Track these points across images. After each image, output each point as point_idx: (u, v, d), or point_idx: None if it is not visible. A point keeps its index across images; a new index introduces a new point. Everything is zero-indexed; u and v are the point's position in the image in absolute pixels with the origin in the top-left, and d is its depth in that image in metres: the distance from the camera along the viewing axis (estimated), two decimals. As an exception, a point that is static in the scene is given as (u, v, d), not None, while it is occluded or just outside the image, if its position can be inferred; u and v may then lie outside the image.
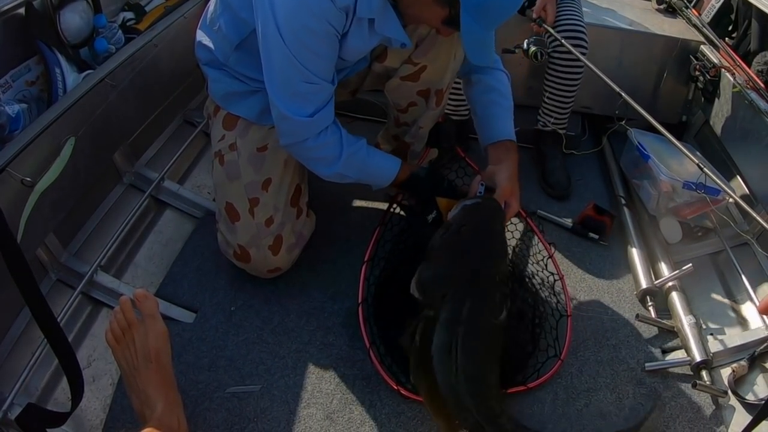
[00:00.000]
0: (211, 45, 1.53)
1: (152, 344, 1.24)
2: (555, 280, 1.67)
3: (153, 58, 1.88)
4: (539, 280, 1.69)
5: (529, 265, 1.75)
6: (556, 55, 2.07)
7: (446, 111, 2.15)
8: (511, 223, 1.81)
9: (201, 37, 1.57)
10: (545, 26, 1.97)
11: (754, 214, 1.43)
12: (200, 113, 2.19)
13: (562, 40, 1.86)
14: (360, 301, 1.48)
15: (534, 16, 2.04)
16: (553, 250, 1.71)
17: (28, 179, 1.36)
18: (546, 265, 1.69)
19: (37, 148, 1.42)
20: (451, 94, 2.11)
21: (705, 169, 1.59)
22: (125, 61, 1.76)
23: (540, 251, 1.74)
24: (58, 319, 1.30)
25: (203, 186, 2.05)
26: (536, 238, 1.77)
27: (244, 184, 1.54)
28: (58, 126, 1.49)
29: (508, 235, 1.79)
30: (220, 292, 1.65)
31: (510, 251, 1.78)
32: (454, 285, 1.36)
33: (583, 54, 1.94)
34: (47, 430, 1.18)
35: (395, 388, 1.37)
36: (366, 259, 1.56)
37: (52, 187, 1.45)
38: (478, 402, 1.24)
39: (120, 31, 1.91)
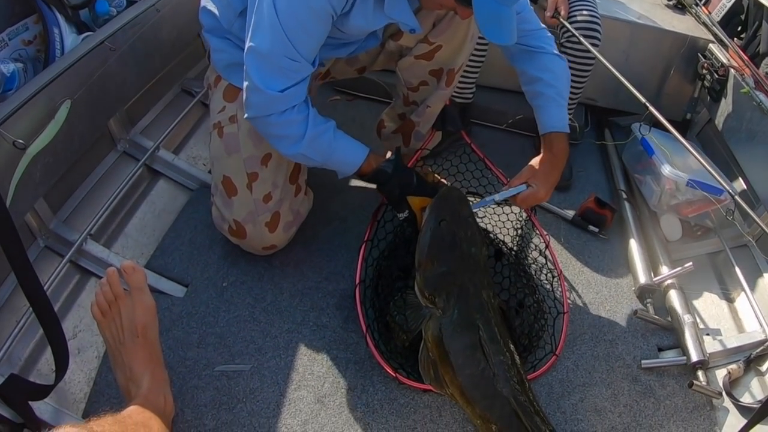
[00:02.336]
0: (215, 11, 1.48)
1: (139, 319, 1.21)
2: (554, 277, 1.65)
3: (154, 24, 1.82)
4: (538, 277, 1.67)
5: (528, 260, 1.73)
6: (568, 45, 2.04)
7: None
8: (512, 212, 1.79)
9: (206, 2, 1.51)
10: (561, 20, 1.93)
11: (755, 216, 1.41)
12: (199, 83, 2.15)
13: (582, 39, 1.82)
14: (357, 282, 1.45)
15: (548, 14, 2.00)
16: (548, 238, 1.69)
17: (21, 141, 1.31)
18: (546, 260, 1.66)
19: (31, 109, 1.36)
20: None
21: (711, 170, 1.55)
22: (126, 25, 1.70)
23: (538, 245, 1.72)
24: (45, 288, 1.26)
25: (198, 157, 2.00)
26: (535, 230, 1.74)
27: (243, 158, 1.50)
28: (54, 88, 1.43)
29: (507, 224, 1.78)
30: (212, 267, 1.62)
31: (509, 243, 1.77)
32: (456, 282, 1.34)
33: (595, 47, 1.90)
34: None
35: (393, 374, 1.34)
36: (365, 238, 1.52)
37: (45, 150, 1.40)
38: (516, 389, 1.24)
39: (122, -6, 1.85)
